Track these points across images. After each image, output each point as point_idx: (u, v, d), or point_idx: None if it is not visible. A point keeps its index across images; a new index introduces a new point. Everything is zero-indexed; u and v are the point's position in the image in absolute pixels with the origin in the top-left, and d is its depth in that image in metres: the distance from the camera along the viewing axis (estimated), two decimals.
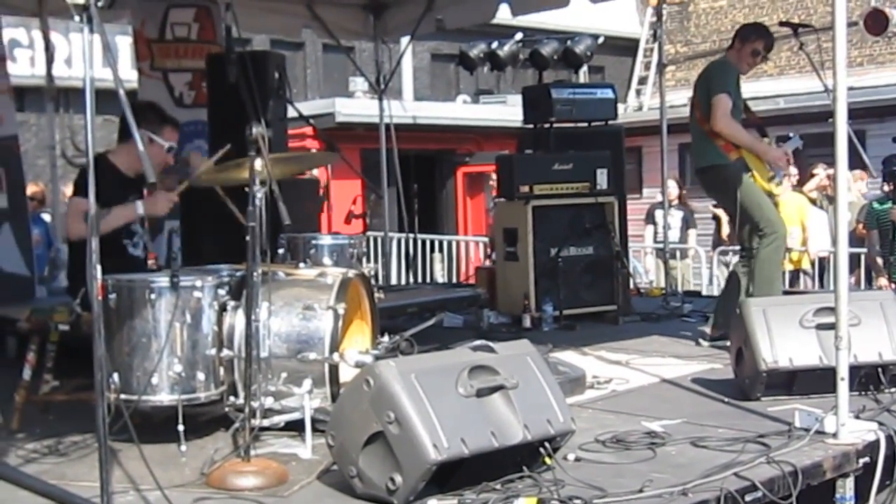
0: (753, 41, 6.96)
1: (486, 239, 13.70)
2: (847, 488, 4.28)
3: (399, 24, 10.62)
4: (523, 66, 10.54)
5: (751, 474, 3.93)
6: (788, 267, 10.76)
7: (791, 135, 7.22)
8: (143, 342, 4.46)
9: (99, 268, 3.32)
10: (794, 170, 7.85)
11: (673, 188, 12.57)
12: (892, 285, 8.94)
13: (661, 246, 11.59)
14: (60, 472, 4.19)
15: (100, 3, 3.21)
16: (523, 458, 3.88)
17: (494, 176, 9.66)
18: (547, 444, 3.91)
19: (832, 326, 4.52)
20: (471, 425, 3.71)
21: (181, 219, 7.97)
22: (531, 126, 9.30)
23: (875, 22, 12.46)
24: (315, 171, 10.64)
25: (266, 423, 4.45)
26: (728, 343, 6.14)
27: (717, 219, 12.64)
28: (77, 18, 3.24)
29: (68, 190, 10.54)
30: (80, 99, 3.37)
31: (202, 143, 8.85)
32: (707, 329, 7.13)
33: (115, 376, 4.36)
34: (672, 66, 21.10)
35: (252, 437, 4.16)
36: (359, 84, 18.01)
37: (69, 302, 5.18)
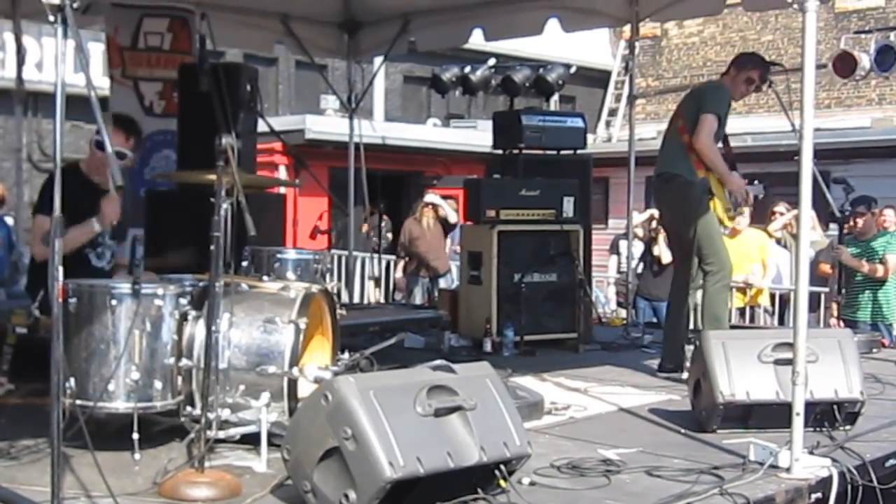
0: (749, 69, 7.02)
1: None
2: None
3: (373, 44, 10.67)
4: (495, 92, 10.58)
5: None
6: (738, 304, 10.85)
7: (756, 182, 7.26)
8: (101, 348, 4.43)
9: (61, 269, 3.30)
10: (747, 209, 7.99)
11: (638, 220, 12.62)
12: (841, 323, 9.10)
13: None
14: (11, 475, 4.14)
15: (75, 4, 3.19)
16: (478, 479, 3.87)
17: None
18: (502, 467, 3.91)
19: (790, 362, 4.56)
20: (427, 445, 3.69)
21: (145, 228, 7.93)
22: (500, 151, 9.31)
23: (843, 65, 12.59)
24: (283, 189, 10.65)
25: (222, 434, 4.42)
26: (682, 375, 6.17)
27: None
28: (52, 19, 3.22)
29: None
30: (48, 104, 3.36)
31: (170, 153, 8.83)
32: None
33: (72, 381, 4.33)
34: (642, 99, 21.21)
35: (207, 448, 4.14)
36: (330, 102, 18.03)
37: (28, 305, 5.14)
